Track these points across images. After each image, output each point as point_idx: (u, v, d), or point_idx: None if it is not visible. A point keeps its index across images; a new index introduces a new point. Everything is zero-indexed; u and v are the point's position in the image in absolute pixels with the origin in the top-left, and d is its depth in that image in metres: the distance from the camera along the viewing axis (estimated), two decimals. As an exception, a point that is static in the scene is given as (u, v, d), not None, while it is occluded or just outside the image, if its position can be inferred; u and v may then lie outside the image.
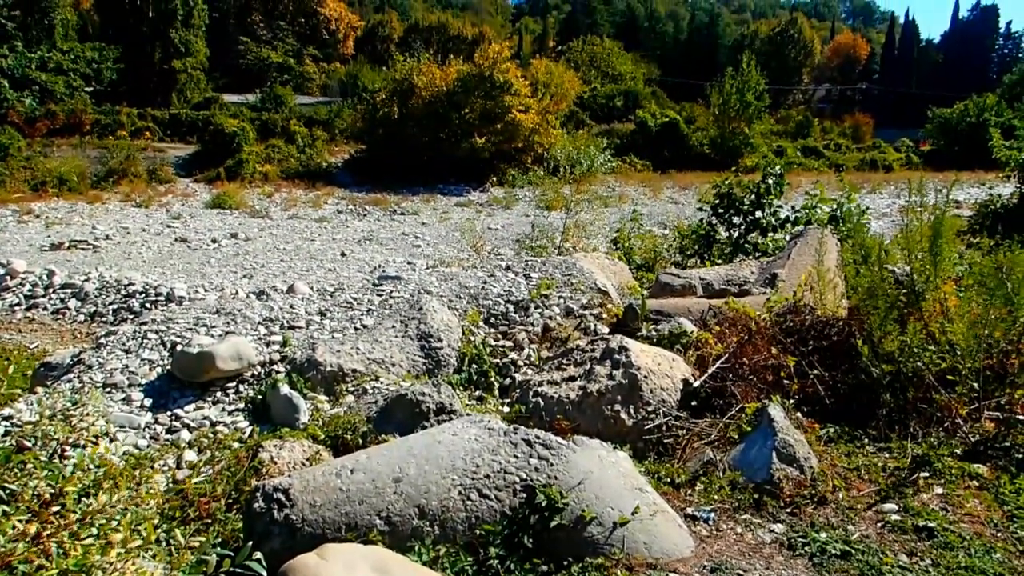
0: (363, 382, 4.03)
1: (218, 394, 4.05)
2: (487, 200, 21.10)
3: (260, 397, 3.93)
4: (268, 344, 4.49)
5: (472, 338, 4.64)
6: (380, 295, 5.47)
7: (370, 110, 25.26)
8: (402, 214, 18.06)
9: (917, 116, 42.48)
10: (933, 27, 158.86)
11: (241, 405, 3.94)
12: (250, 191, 20.40)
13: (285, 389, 3.82)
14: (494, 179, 24.04)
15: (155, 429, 3.73)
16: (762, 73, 33.42)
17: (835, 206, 7.97)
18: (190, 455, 3.43)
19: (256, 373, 4.20)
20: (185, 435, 3.67)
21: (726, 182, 8.66)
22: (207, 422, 3.79)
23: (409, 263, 11.40)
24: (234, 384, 4.12)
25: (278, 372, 4.17)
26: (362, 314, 5.03)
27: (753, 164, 31.78)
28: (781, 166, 8.65)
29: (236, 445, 3.50)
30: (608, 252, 9.17)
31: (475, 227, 14.23)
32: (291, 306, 5.20)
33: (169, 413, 3.87)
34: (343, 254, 12.24)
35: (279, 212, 17.57)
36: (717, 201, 8.65)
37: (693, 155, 31.55)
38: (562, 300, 5.22)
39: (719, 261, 7.87)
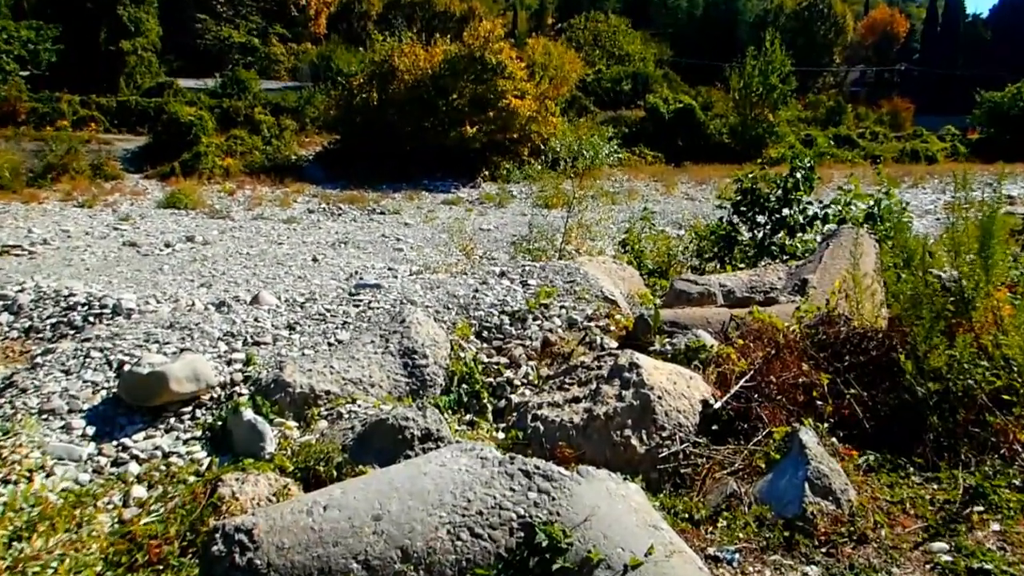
0: (338, 405, 4.01)
1: (172, 420, 4.01)
2: (478, 197, 21.14)
3: (220, 423, 3.90)
4: (229, 363, 4.46)
5: (462, 354, 4.63)
6: (357, 306, 5.45)
7: (345, 96, 25.31)
8: (382, 213, 18.06)
9: (963, 100, 42.79)
10: (980, 0, 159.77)
11: (198, 433, 3.91)
12: (209, 188, 20.37)
13: (248, 414, 3.79)
14: (486, 173, 24.10)
15: (99, 461, 3.70)
16: (788, 53, 33.66)
17: (872, 203, 8.00)
18: (139, 491, 3.40)
19: (215, 396, 4.18)
20: (133, 468, 3.63)
21: (749, 176, 8.70)
22: (159, 453, 3.76)
23: (390, 269, 11.38)
24: (190, 409, 4.09)
25: (240, 395, 4.15)
26: (336, 328, 5.01)
27: (779, 155, 31.84)
28: (811, 157, 8.69)
29: (192, 479, 3.47)
30: (616, 256, 9.17)
31: (465, 228, 14.24)
32: (255, 319, 5.17)
33: (115, 443, 3.84)
34: (315, 259, 12.22)
35: (242, 212, 17.55)
36: (739, 197, 8.68)
37: (711, 145, 31.72)
38: (564, 311, 5.22)
39: (741, 265, 7.88)
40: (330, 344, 4.74)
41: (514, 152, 25.33)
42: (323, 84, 30.64)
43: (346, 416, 3.90)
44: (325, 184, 22.20)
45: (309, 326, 5.06)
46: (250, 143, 24.55)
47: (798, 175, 8.30)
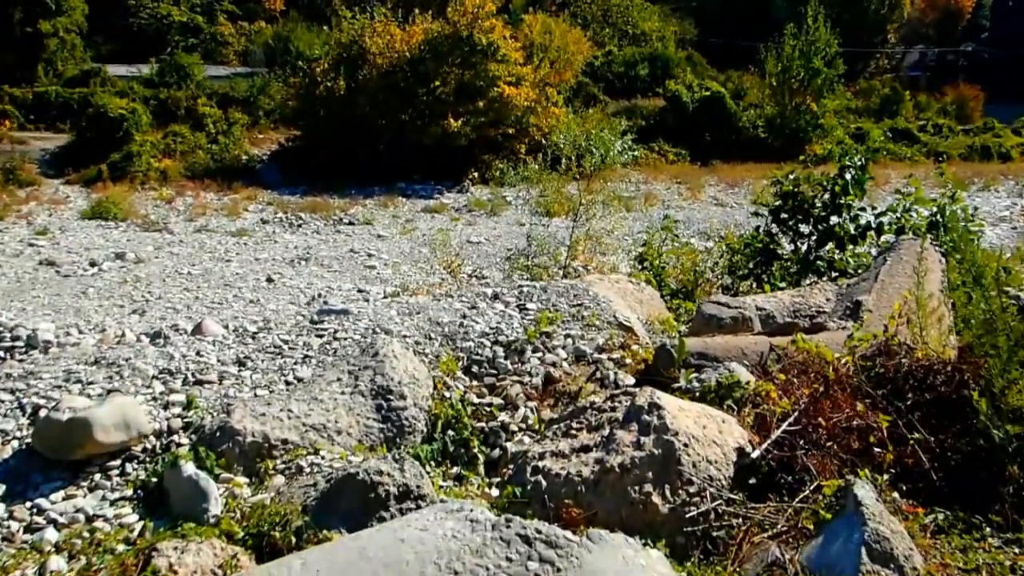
0: (297, 457, 3.99)
1: (97, 477, 3.99)
2: (466, 203, 21.22)
3: (155, 480, 3.87)
4: (166, 406, 4.44)
5: (447, 394, 4.62)
6: (321, 336, 5.44)
7: (307, 84, 25.47)
8: (350, 224, 18.11)
9: (1042, 86, 43.24)
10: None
11: (128, 492, 3.89)
12: (143, 195, 20.41)
13: (189, 469, 3.77)
14: (475, 175, 24.22)
15: (9, 527, 3.66)
16: (834, 31, 34.00)
17: (935, 209, 8.05)
18: (57, 563, 3.37)
19: (149, 447, 4.15)
20: (51, 534, 3.60)
21: (790, 177, 8.74)
22: (81, 516, 3.73)
23: (360, 291, 11.39)
24: (119, 463, 4.06)
25: (180, 445, 4.12)
26: (296, 363, 5.00)
27: (825, 152, 32.04)
28: (863, 155, 8.74)
29: (121, 548, 3.44)
30: (632, 273, 9.19)
31: (450, 240, 14.28)
32: (198, 353, 5.16)
33: (29, 504, 3.80)
34: (270, 280, 12.23)
35: (182, 224, 17.57)
36: (778, 203, 8.72)
37: (744, 141, 31.93)
38: (570, 340, 5.22)
39: (782, 284, 7.89)
40: (288, 383, 4.72)
41: (509, 149, 25.46)
42: (280, 70, 30.81)
43: (307, 470, 3.87)
44: (282, 189, 22.27)
45: (263, 361, 5.04)
46: (192, 141, 24.65)
47: (848, 176, 8.34)
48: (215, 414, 4.32)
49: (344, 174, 23.08)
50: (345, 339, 5.33)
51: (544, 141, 23.99)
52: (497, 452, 4.33)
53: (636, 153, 25.71)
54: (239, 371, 4.91)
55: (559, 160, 13.15)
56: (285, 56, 33.09)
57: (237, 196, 20.90)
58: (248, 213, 19.06)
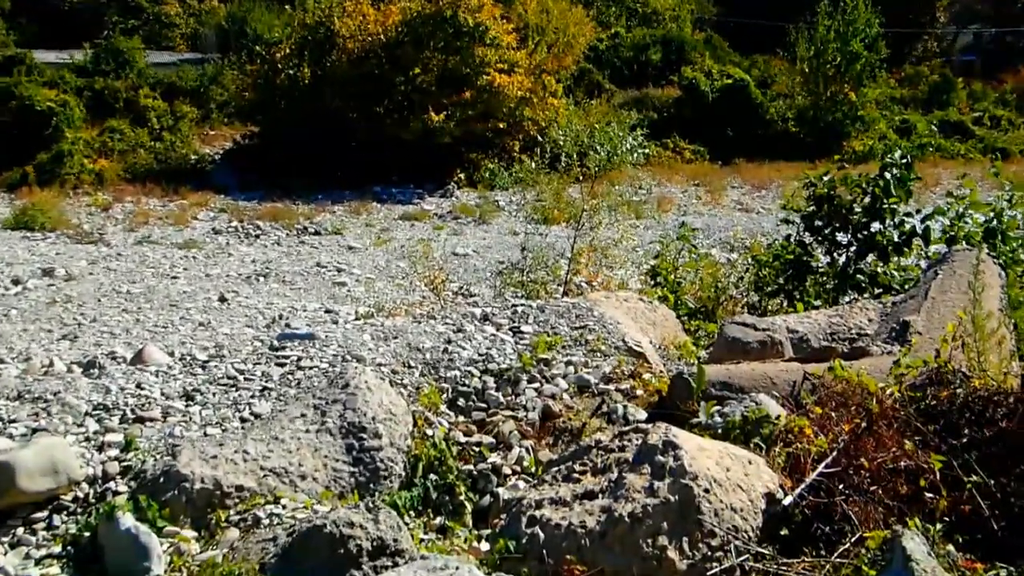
0: (254, 506, 3.97)
1: (20, 531, 3.96)
2: (450, 209, 21.25)
3: (87, 535, 3.85)
4: (101, 448, 4.42)
5: (429, 432, 4.61)
6: (282, 365, 5.42)
7: (266, 72, 25.55)
8: (316, 234, 18.12)
9: (1116, 72, 43.49)
10: None
11: (57, 548, 3.86)
12: (75, 202, 20.39)
13: (128, 521, 3.74)
14: (461, 176, 24.27)
15: (-85, 591, 3.64)
16: (875, 10, 34.16)
17: (993, 214, 8.08)
18: (-28, 633, 3.34)
19: (81, 495, 4.13)
20: (-36, 600, 3.58)
21: (824, 178, 8.78)
22: (1, 577, 3.71)
23: (328, 312, 11.37)
24: (46, 514, 4.04)
25: (117, 493, 4.10)
26: (253, 396, 4.98)
27: (865, 149, 32.29)
28: (908, 151, 8.79)
29: (47, 615, 3.41)
30: (643, 290, 9.20)
31: (432, 252, 14.27)
32: (139, 385, 5.14)
33: (-62, 564, 3.78)
34: (223, 299, 12.21)
35: (121, 234, 17.54)
36: (811, 208, 8.75)
37: (772, 136, 32.07)
38: (572, 368, 5.21)
39: (817, 302, 7.92)
40: (244, 420, 4.70)
41: (500, 147, 25.53)
42: (235, 56, 30.86)
43: (266, 521, 3.85)
44: (237, 194, 22.27)
45: (214, 394, 5.02)
46: (133, 138, 24.66)
47: (891, 176, 8.38)
48: (158, 457, 4.30)
49: (309, 176, 23.10)
50: (310, 368, 5.32)
51: (541, 137, 24.05)
52: (487, 499, 4.31)
53: (647, 151, 25.80)
54: (187, 406, 4.88)
55: (558, 159, 13.21)
56: (241, 40, 33.11)
57: (185, 202, 20.88)
58: (197, 222, 19.04)
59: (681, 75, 34.64)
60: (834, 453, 3.72)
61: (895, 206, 8.40)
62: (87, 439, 4.51)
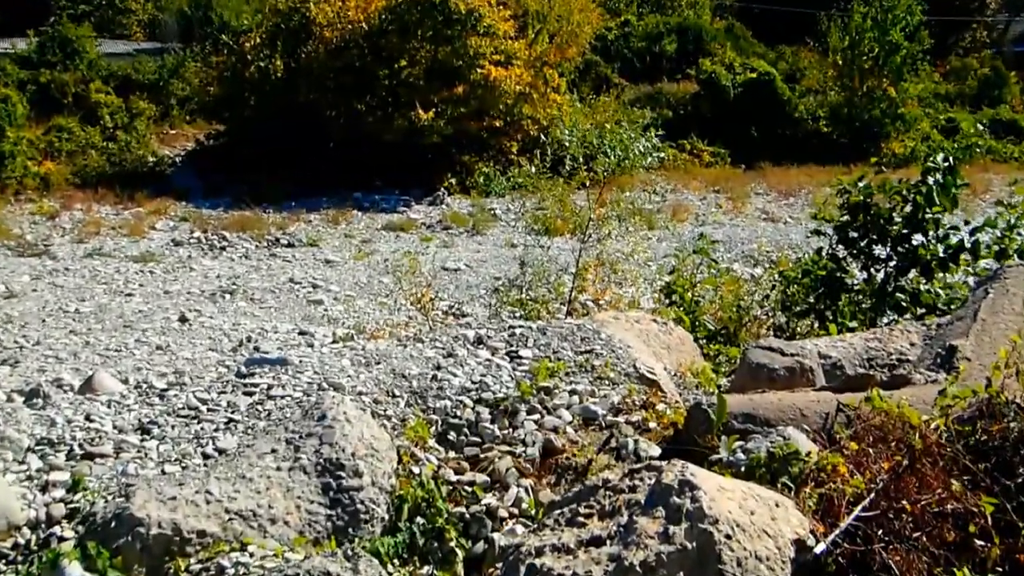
0: (218, 554, 3.96)
1: (-48, 581, 3.95)
2: (440, 218, 21.27)
3: (29, 586, 3.84)
4: (45, 488, 4.41)
5: (416, 470, 4.60)
6: (250, 394, 5.42)
7: (234, 64, 25.61)
8: (289, 246, 18.13)
9: None
10: None
11: (-6, 601, 3.85)
12: (17, 209, 20.38)
13: (75, 571, 3.73)
14: (452, 182, 24.28)
15: None
16: (917, -5, 34.37)
17: (1049, 224, 8.10)
18: None
19: (23, 542, 4.11)
20: None
21: (860, 184, 8.78)
22: (-69, 634, 3.69)
23: (302, 334, 11.35)
24: (-18, 562, 4.03)
25: (63, 539, 4.09)
26: (217, 429, 4.97)
27: (906, 151, 32.33)
28: (954, 154, 8.80)
29: (-17, 677, 3.40)
30: (657, 310, 9.20)
31: (419, 267, 14.26)
32: (88, 417, 5.13)
33: None
34: (184, 319, 12.19)
35: (69, 246, 17.53)
36: (845, 217, 8.75)
37: (800, 136, 32.15)
38: (576, 398, 5.21)
39: (853, 324, 7.91)
40: (207, 456, 4.69)
41: (496, 149, 25.54)
42: (198, 46, 30.95)
43: (231, 571, 3.84)
44: (200, 201, 22.27)
45: (173, 427, 5.01)
46: (83, 138, 24.65)
47: (934, 182, 8.38)
48: (110, 498, 4.29)
49: (282, 181, 23.10)
50: (282, 398, 5.31)
51: (543, 138, 24.12)
52: (481, 546, 4.30)
53: (662, 154, 25.83)
54: (142, 440, 4.87)
55: (562, 162, 13.23)
56: (205, 28, 33.21)
57: (141, 210, 20.88)
58: (155, 232, 19.04)
59: (699, 68, 34.69)
60: (872, 495, 3.72)
61: (939, 216, 8.39)
62: (29, 478, 4.50)
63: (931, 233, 8.38)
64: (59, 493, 4.38)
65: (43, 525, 4.21)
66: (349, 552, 3.62)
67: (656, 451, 4.76)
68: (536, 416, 5.05)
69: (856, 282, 8.69)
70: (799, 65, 37.13)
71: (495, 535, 4.33)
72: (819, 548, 3.58)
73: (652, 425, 5.00)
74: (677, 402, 5.35)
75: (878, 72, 33.28)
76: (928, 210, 8.36)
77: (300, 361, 6.12)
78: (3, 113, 23.29)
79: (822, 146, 31.20)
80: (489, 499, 4.53)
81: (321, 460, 4.45)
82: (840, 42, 33.77)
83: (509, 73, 24.94)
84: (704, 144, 30.92)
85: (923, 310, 7.99)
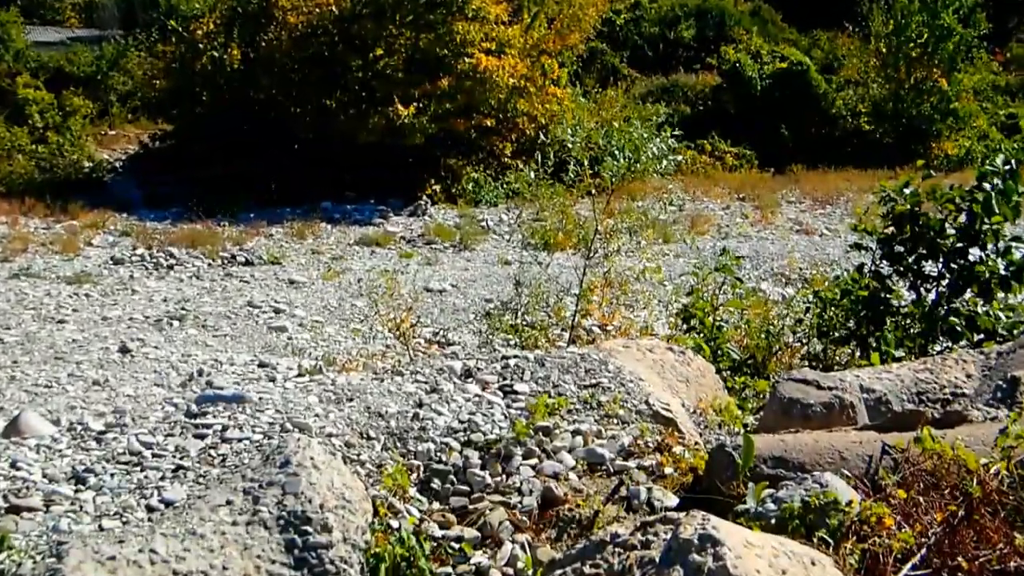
0: (165, 623, 3.95)
1: None
2: (423, 231, 21.27)
3: (-56, 661, 3.82)
4: (-36, 546, 4.39)
5: (395, 523, 4.59)
6: (202, 436, 5.40)
7: (184, 54, 25.62)
8: (248, 263, 18.11)
9: None
10: None
11: None
12: (-68, 222, 20.34)
13: (-2, 643, 3.72)
14: (437, 188, 24.28)
15: None
16: (971, -26, 34.49)
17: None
18: None
19: (-63, 609, 4.10)
20: None
21: (907, 190, 8.79)
22: None
23: (263, 366, 11.34)
24: None
25: (-16, 606, 4.08)
26: (163, 478, 4.95)
27: (960, 152, 32.29)
28: (1016, 155, 8.79)
29: None
30: (673, 337, 9.19)
31: (399, 288, 14.25)
32: (14, 464, 5.11)
33: None
34: (125, 350, 12.16)
35: (-9, 264, 17.50)
36: (890, 229, 8.76)
37: (838, 136, 32.23)
38: (580, 440, 5.20)
39: (900, 352, 7.91)
40: (151, 509, 4.68)
41: (487, 151, 25.55)
42: (142, 33, 31.00)
43: (180, 643, 3.83)
44: (144, 212, 22.26)
45: (113, 475, 5.00)
46: (8, 140, 24.67)
47: (992, 188, 8.40)
48: (39, 558, 4.28)
49: (239, 188, 23.09)
50: (239, 441, 5.30)
51: (541, 138, 24.09)
52: (471, 612, 4.29)
53: (678, 156, 25.76)
54: (76, 491, 4.86)
55: (563, 167, 13.22)
56: (150, 12, 33.27)
57: (76, 223, 20.84)
58: (92, 248, 19.01)
59: (721, 57, 34.76)
60: (923, 550, 3.72)
61: (999, 227, 8.38)
62: (-55, 535, 4.49)
63: (990, 247, 8.36)
64: (-20, 553, 4.37)
65: (-39, 590, 4.19)
66: (317, 620, 3.62)
67: (673, 501, 4.75)
68: (533, 460, 5.04)
69: (903, 304, 8.68)
70: (836, 53, 37.26)
71: (487, 599, 4.32)
72: (862, 613, 3.57)
73: (668, 471, 4.99)
74: (697, 444, 5.35)
75: (927, 61, 33.30)
76: (986, 220, 8.35)
77: (260, 398, 6.12)
78: (-85, 112, 23.36)
79: (863, 146, 31.25)
80: (479, 557, 4.51)
81: (284, 513, 4.44)
82: (884, 27, 33.82)
83: (502, 63, 24.96)
84: (727, 145, 30.98)
85: (981, 336, 7.98)
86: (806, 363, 8.68)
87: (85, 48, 31.97)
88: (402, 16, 24.64)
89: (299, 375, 10.13)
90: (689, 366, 6.76)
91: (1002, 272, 8.27)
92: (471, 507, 4.80)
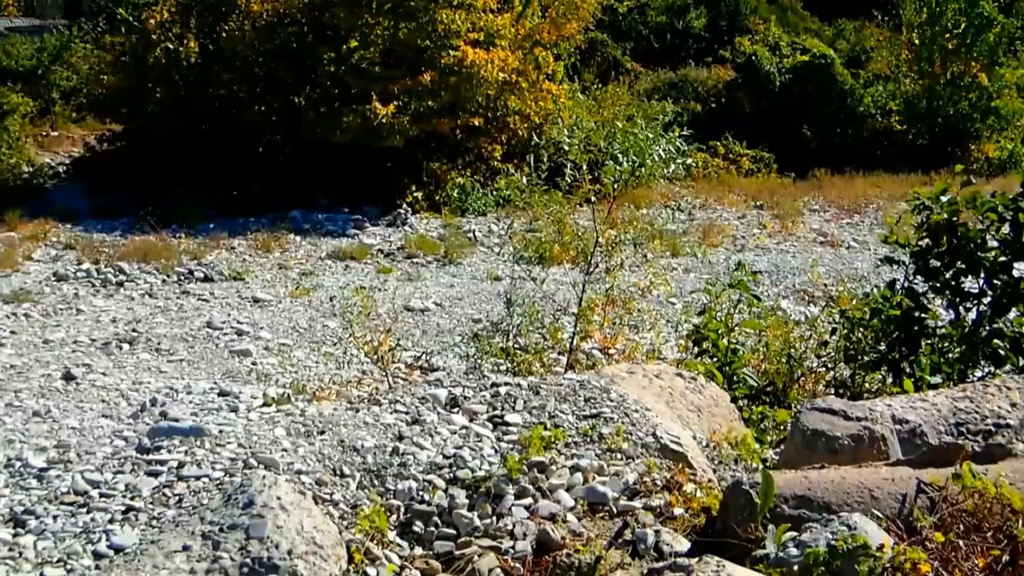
0: None
1: None
2: (403, 244, 21.25)
3: None
4: None
5: (372, 572, 4.58)
6: (156, 474, 5.40)
7: (135, 47, 25.57)
8: (207, 279, 18.07)
9: None
10: None
11: None
12: None
13: None
14: (418, 196, 24.23)
15: None
16: (1013, -43, 34.60)
17: None
18: None
19: None
20: None
21: (944, 198, 8.81)
22: None
23: (223, 395, 11.29)
24: None
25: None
26: (113, 520, 4.94)
27: (1003, 155, 32.20)
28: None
29: None
30: (683, 362, 9.20)
31: (376, 307, 14.24)
32: (-56, 505, 5.10)
33: None
34: (69, 376, 12.11)
35: (-82, 281, 17.45)
36: (925, 242, 8.77)
37: (867, 137, 32.24)
38: (579, 476, 5.20)
39: (936, 379, 7.91)
40: (98, 556, 4.66)
41: (474, 153, 25.54)
42: (88, 24, 30.97)
43: None
44: (91, 222, 22.20)
45: (56, 518, 4.99)
46: (-64, 142, 24.64)
47: (1037, 195, 8.43)
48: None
49: (197, 196, 22.99)
50: (197, 479, 5.29)
51: (535, 139, 24.11)
52: (457, 671, 4.29)
53: (689, 159, 25.78)
54: (15, 536, 4.85)
55: (559, 171, 13.22)
56: (97, 1, 33.26)
57: (14, 234, 20.78)
58: (32, 263, 18.95)
59: (736, 49, 34.83)
60: (963, 601, 3.72)
61: (1047, 239, 8.42)
62: None
63: (1037, 262, 8.41)
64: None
65: None
66: None
67: (684, 545, 4.75)
68: (527, 500, 5.03)
69: (940, 324, 8.69)
70: (864, 45, 37.31)
71: (476, 657, 4.32)
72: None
73: (678, 511, 4.99)
74: (710, 481, 5.36)
75: (966, 54, 33.26)
76: (1031, 231, 8.39)
77: (220, 431, 6.11)
78: None
79: (894, 149, 31.30)
80: (467, 610, 4.52)
81: (248, 560, 4.43)
82: (917, 15, 33.86)
83: (490, 56, 24.90)
84: (743, 147, 30.93)
85: (1026, 360, 8.01)
86: (832, 391, 8.69)
87: (24, 39, 31.86)
88: (379, 3, 24.53)
89: (264, 405, 10.11)
90: (701, 394, 6.77)
91: (1051, 289, 8.31)
92: (458, 552, 4.79)
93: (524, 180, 14.12)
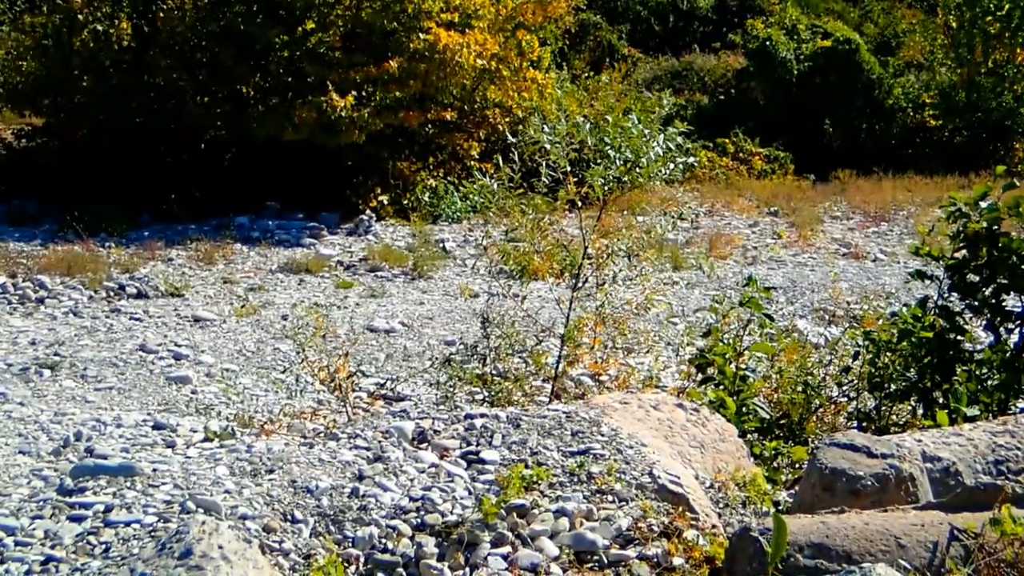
0: None
1: None
2: (365, 255, 21.24)
3: None
4: None
5: (327, 631, 4.59)
6: (79, 519, 5.39)
7: (59, 29, 25.55)
8: (140, 296, 18.05)
9: None
10: None
11: None
12: None
13: None
14: (383, 200, 24.24)
15: None
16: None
17: None
18: None
19: None
20: None
21: (983, 204, 8.83)
22: None
23: (158, 428, 11.29)
24: None
25: None
26: (29, 572, 4.93)
27: (1048, 156, 32.29)
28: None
29: None
30: (685, 390, 9.21)
31: (333, 327, 14.25)
32: None
33: None
34: (-19, 407, 12.12)
35: None
36: (962, 253, 8.78)
37: (897, 133, 32.36)
38: (565, 521, 5.21)
39: (973, 410, 7.93)
40: (13, 612, 4.67)
41: (448, 152, 25.54)
42: (5, 2, 30.95)
43: None
44: (7, 230, 22.15)
45: (-37, 571, 4.98)
46: None
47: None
48: None
49: (129, 200, 22.99)
50: (127, 525, 5.29)
51: (515, 137, 24.09)
52: None
53: (693, 158, 25.75)
54: (-86, 592, 4.85)
55: (539, 172, 13.22)
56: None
57: (-82, 245, 20.81)
58: (-61, 277, 18.96)
59: (747, 33, 34.87)
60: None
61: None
62: None
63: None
64: None
65: None
66: None
67: (684, 601, 4.77)
68: (505, 549, 5.04)
69: (978, 348, 8.70)
70: (895, 29, 37.44)
71: None
72: None
73: (677, 561, 5.01)
74: (714, 527, 5.37)
75: (1010, 40, 33.39)
76: (1081, 244, 8.43)
77: (154, 469, 6.11)
78: None
79: (928, 147, 31.47)
80: (437, 675, 4.53)
81: (185, 618, 4.43)
82: (954, -1, 34.10)
83: (467, 40, 24.85)
84: (755, 145, 31.03)
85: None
86: (854, 424, 8.71)
87: (-69, 21, 31.98)
88: (340, -18, 24.67)
89: (205, 440, 10.11)
90: (705, 427, 6.78)
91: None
92: (426, 609, 4.81)
93: (504, 180, 14.11)
